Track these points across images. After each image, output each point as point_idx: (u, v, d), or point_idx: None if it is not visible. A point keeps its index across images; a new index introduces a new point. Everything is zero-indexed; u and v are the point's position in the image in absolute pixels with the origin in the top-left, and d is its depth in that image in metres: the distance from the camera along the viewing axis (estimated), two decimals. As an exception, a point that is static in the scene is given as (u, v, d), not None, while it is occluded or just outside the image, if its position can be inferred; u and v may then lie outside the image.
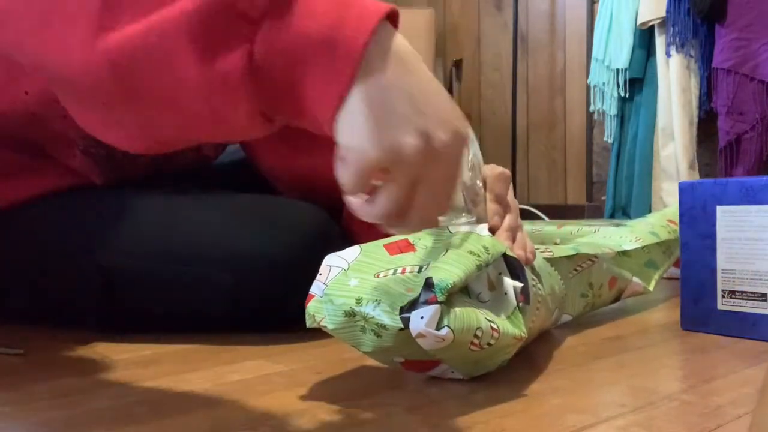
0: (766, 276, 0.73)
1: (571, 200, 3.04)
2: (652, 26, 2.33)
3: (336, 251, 0.58)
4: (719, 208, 0.76)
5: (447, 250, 0.55)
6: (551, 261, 0.75)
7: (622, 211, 2.48)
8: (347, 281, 0.54)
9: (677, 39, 2.22)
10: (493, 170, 0.68)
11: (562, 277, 0.76)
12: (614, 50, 2.45)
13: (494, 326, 0.53)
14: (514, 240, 0.66)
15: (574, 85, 3.03)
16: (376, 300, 0.52)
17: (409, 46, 0.46)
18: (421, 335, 0.50)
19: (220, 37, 0.43)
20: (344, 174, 0.43)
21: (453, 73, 2.96)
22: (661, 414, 0.49)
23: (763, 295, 0.73)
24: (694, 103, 2.25)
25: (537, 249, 0.72)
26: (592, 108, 2.56)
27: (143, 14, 0.43)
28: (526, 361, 0.65)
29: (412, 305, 0.50)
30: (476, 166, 0.61)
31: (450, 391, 0.55)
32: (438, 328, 0.50)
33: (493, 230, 0.64)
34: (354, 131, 0.42)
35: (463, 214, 0.60)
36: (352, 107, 0.42)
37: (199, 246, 0.75)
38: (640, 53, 2.40)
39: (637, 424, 0.47)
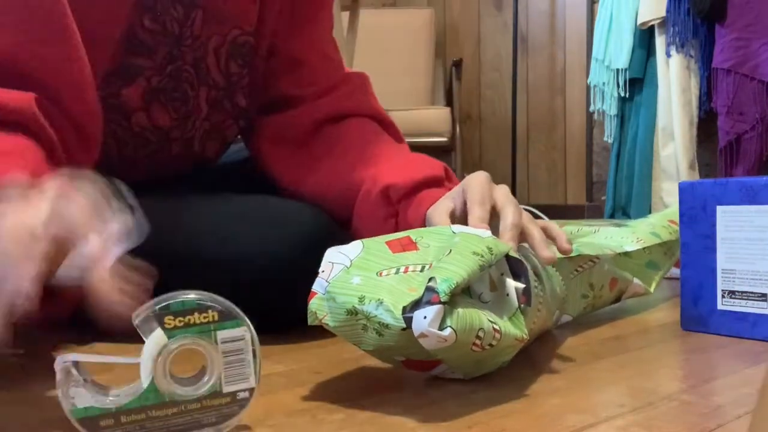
0: (766, 276, 0.73)
1: (571, 200, 3.04)
2: (652, 26, 2.33)
3: (339, 245, 0.58)
4: (719, 208, 0.76)
5: (450, 250, 0.55)
6: None
7: (622, 211, 2.48)
8: (350, 279, 0.54)
9: (677, 39, 2.23)
10: (469, 178, 0.68)
11: (563, 278, 0.76)
12: (614, 50, 2.45)
13: (496, 327, 0.53)
14: (518, 239, 0.65)
15: (574, 85, 3.03)
16: (379, 299, 0.51)
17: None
18: (423, 335, 0.49)
19: None
20: None
21: (453, 73, 2.96)
22: (661, 414, 0.49)
23: (763, 295, 0.73)
24: (694, 103, 2.26)
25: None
26: (592, 108, 2.56)
27: None
28: (526, 361, 0.65)
29: (415, 305, 0.50)
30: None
31: (450, 391, 0.55)
32: (441, 328, 0.49)
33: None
34: None
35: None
36: None
37: (199, 246, 0.75)
38: (640, 53, 2.40)
39: (636, 424, 0.47)
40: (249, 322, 0.45)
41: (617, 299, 0.90)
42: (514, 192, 3.60)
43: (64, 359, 0.41)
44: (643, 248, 0.92)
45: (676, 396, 0.53)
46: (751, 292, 0.74)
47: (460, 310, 0.51)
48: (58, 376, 0.41)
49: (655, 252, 0.95)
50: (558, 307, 0.73)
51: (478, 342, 0.52)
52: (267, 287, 0.75)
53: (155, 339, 0.43)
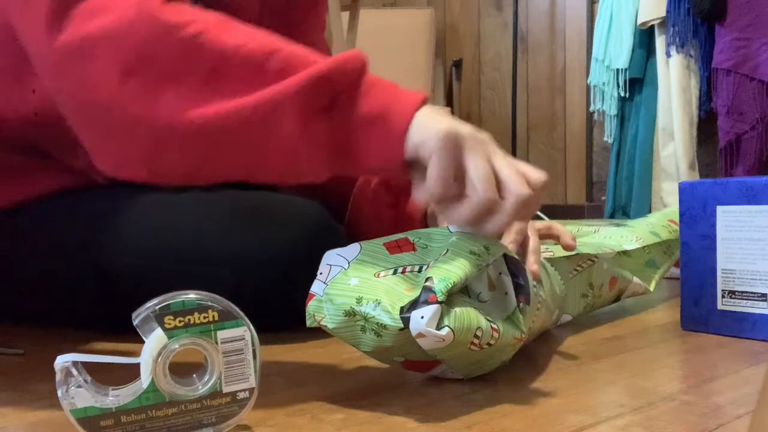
0: (766, 276, 0.73)
1: (571, 200, 3.04)
2: (652, 26, 2.33)
3: (337, 248, 0.58)
4: (719, 208, 0.76)
5: (447, 250, 0.55)
6: (551, 261, 0.75)
7: (622, 211, 2.48)
8: (347, 281, 0.54)
9: (677, 39, 2.22)
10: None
11: (562, 277, 0.76)
12: (614, 50, 2.45)
13: (494, 326, 0.53)
14: (522, 244, 0.65)
15: (574, 85, 3.03)
16: (377, 300, 0.52)
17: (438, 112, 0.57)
18: (421, 335, 0.49)
19: (318, 106, 0.56)
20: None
21: (453, 73, 2.96)
22: (661, 414, 0.49)
23: (763, 295, 0.73)
24: (694, 103, 2.25)
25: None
26: (592, 108, 2.56)
27: (245, 91, 0.56)
28: (526, 361, 0.65)
29: (412, 305, 0.50)
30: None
31: (450, 391, 0.55)
32: (438, 327, 0.49)
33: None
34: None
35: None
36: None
37: (200, 244, 0.75)
38: (640, 53, 2.40)
39: (636, 424, 0.47)
40: (249, 322, 0.45)
41: (617, 298, 0.90)
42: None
43: (64, 359, 0.41)
44: (643, 247, 0.92)
45: (676, 396, 0.53)
46: (751, 292, 0.74)
47: (457, 309, 0.51)
48: (58, 376, 0.41)
49: (655, 251, 0.95)
50: (557, 306, 0.73)
51: (476, 341, 0.52)
52: (268, 284, 0.75)
53: (155, 339, 0.43)
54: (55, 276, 0.79)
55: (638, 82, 2.42)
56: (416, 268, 0.55)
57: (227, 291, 0.75)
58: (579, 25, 2.99)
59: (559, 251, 0.78)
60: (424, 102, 0.57)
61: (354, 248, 0.57)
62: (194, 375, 0.45)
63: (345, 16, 2.26)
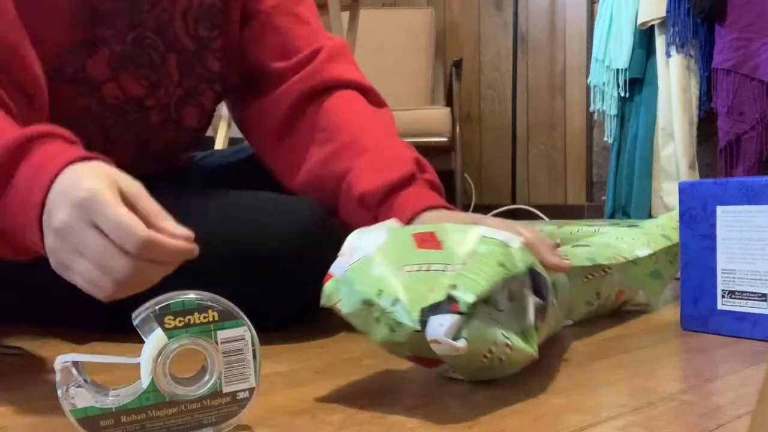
0: (766, 276, 0.73)
1: (571, 200, 3.04)
2: (652, 26, 2.33)
3: (335, 247, 0.57)
4: (719, 208, 0.76)
5: (477, 257, 0.53)
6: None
7: (622, 211, 2.48)
8: (371, 269, 0.53)
9: (677, 39, 2.23)
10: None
11: (573, 285, 0.75)
12: (614, 50, 2.45)
13: (509, 343, 0.52)
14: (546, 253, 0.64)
15: (574, 85, 3.03)
16: (396, 296, 0.50)
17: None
18: (436, 342, 0.48)
19: None
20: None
21: (453, 73, 2.96)
22: (661, 414, 0.49)
23: (763, 295, 0.73)
24: (694, 103, 2.25)
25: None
26: (592, 108, 2.56)
27: None
28: (526, 361, 0.65)
29: (433, 309, 0.49)
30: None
31: (450, 391, 0.55)
32: (455, 338, 0.48)
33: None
34: None
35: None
36: None
37: (199, 243, 0.75)
38: (640, 53, 2.40)
39: (637, 424, 0.47)
40: (249, 322, 0.45)
41: (619, 308, 0.90)
42: (514, 192, 3.58)
43: (64, 359, 0.41)
44: (650, 255, 0.90)
45: (676, 396, 0.53)
46: (751, 292, 0.74)
47: (476, 321, 0.50)
48: (58, 376, 0.41)
49: (662, 260, 0.93)
50: (564, 314, 0.73)
51: (488, 355, 0.51)
52: (267, 283, 0.75)
53: (155, 339, 0.43)
54: (55, 276, 0.79)
55: (638, 82, 2.42)
56: (441, 267, 0.53)
57: (227, 291, 0.76)
58: (579, 25, 2.99)
59: (576, 259, 0.77)
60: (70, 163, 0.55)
61: (381, 233, 0.56)
62: (194, 375, 0.45)
63: (345, 16, 2.26)
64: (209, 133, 1.67)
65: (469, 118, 3.34)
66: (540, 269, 0.58)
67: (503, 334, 0.52)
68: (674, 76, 2.24)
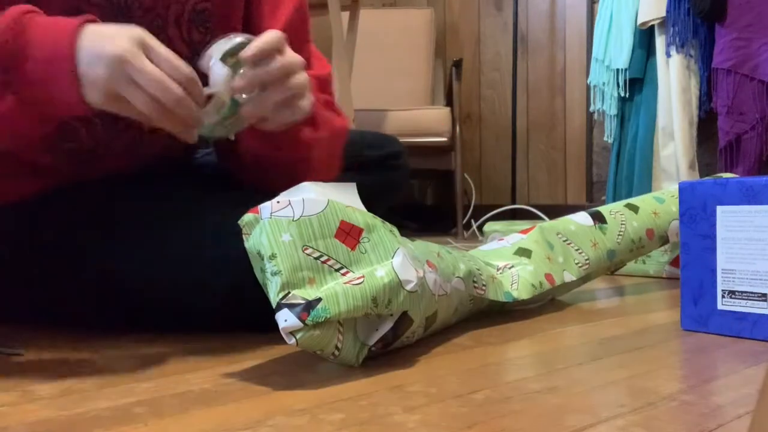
0: (766, 276, 0.73)
1: (571, 200, 3.04)
2: (652, 26, 2.33)
3: (315, 186, 0.61)
4: (719, 208, 0.76)
5: (371, 277, 0.58)
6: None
7: (622, 211, 2.48)
8: (281, 232, 0.57)
9: (677, 39, 2.23)
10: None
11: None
12: (614, 50, 2.45)
13: (336, 351, 0.59)
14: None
15: (574, 85, 3.03)
16: (280, 269, 0.56)
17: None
18: (279, 327, 0.56)
19: None
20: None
21: (453, 73, 2.95)
22: (661, 414, 0.49)
23: (763, 295, 0.73)
24: (694, 103, 2.25)
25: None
26: (592, 108, 2.56)
27: None
28: (526, 361, 0.65)
29: (289, 305, 0.55)
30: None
31: (450, 391, 0.55)
32: (291, 334, 0.56)
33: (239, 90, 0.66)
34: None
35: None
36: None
37: (197, 247, 0.75)
38: (640, 53, 2.40)
39: (636, 424, 0.47)
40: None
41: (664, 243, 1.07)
42: (513, 192, 3.56)
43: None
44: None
45: (676, 396, 0.53)
46: (751, 292, 0.74)
47: (316, 332, 0.56)
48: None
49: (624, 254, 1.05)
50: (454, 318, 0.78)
51: (318, 352, 0.58)
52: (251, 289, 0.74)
53: (223, 74, 0.64)
54: (53, 277, 0.79)
55: (638, 82, 2.42)
56: (337, 265, 0.58)
57: (227, 296, 0.76)
58: (579, 25, 2.99)
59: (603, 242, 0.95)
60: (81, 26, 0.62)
61: (319, 203, 0.59)
62: None
63: (345, 16, 2.26)
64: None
65: (469, 118, 3.34)
66: (410, 310, 0.62)
67: (338, 341, 0.58)
68: (674, 76, 2.24)
